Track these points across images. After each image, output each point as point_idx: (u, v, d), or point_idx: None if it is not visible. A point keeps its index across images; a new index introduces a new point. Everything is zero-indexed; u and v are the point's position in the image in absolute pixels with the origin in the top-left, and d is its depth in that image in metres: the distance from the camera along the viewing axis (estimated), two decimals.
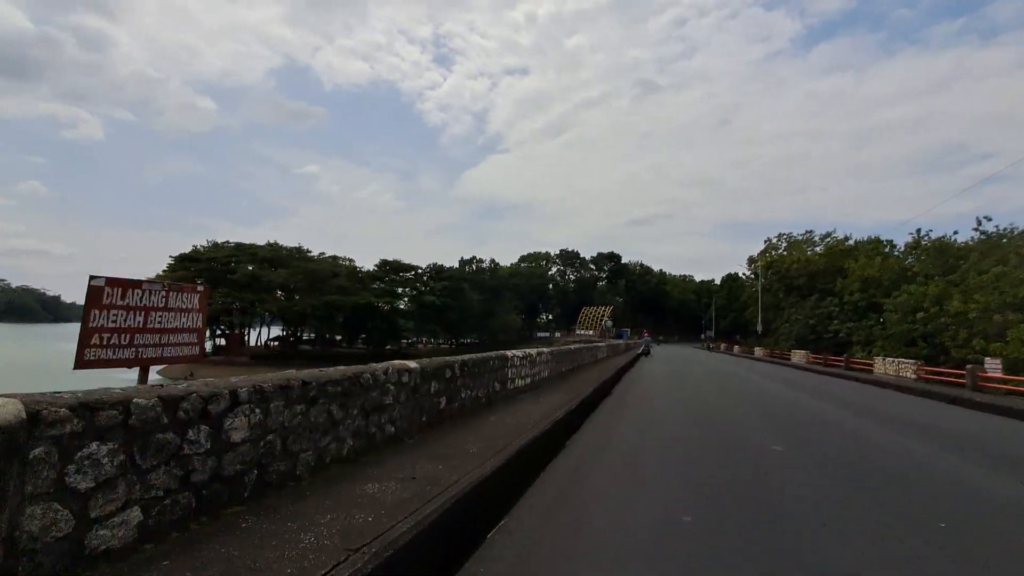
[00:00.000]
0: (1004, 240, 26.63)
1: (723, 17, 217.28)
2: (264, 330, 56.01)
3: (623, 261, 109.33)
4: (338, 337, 57.71)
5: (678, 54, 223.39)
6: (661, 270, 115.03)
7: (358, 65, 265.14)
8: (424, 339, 72.67)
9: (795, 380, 17.77)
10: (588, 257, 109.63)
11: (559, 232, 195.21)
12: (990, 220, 28.50)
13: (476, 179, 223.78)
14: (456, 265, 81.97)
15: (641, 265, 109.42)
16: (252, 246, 46.27)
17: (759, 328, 37.36)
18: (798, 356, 30.56)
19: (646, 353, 33.62)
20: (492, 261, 78.90)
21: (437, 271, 56.88)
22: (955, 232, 31.35)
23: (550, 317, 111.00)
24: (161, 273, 46.25)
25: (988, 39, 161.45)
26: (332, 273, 47.08)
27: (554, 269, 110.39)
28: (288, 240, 62.52)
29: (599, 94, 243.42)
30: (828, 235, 47.39)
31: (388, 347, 55.58)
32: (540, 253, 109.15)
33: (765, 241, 53.82)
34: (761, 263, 47.59)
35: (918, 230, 34.78)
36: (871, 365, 21.68)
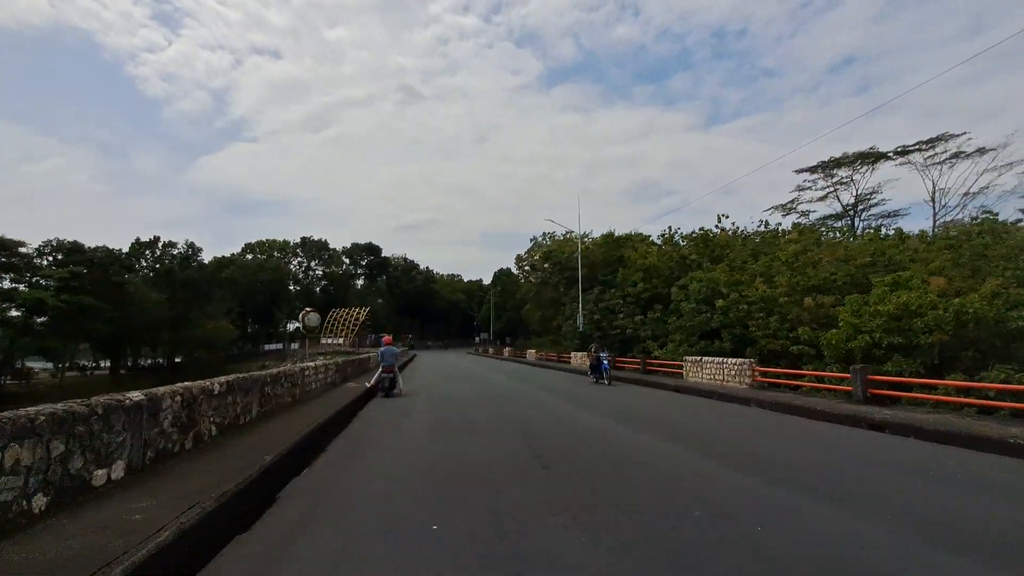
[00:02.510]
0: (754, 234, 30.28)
1: (481, 45, 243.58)
2: None
3: (384, 255, 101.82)
4: None
5: (441, 69, 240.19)
6: (428, 268, 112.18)
7: None
8: (50, 362, 47.98)
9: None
10: (340, 248, 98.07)
11: (324, 234, 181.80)
12: (727, 217, 32.76)
13: (217, 167, 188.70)
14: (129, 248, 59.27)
15: (405, 260, 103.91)
16: None
17: (580, 324, 33.03)
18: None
19: (385, 389, 14.71)
20: (190, 245, 59.81)
21: (69, 251, 36.89)
22: (701, 228, 34.82)
23: (295, 325, 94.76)
24: None
25: (669, 105, 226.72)
26: None
27: (296, 263, 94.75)
28: None
29: (364, 94, 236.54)
30: (586, 235, 50.41)
31: None
32: (275, 241, 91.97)
33: (531, 240, 55.31)
34: (540, 254, 46.98)
35: (670, 227, 39.10)
36: (677, 367, 19.84)
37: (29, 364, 44.56)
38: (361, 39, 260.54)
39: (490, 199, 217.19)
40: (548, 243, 51.19)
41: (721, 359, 17.16)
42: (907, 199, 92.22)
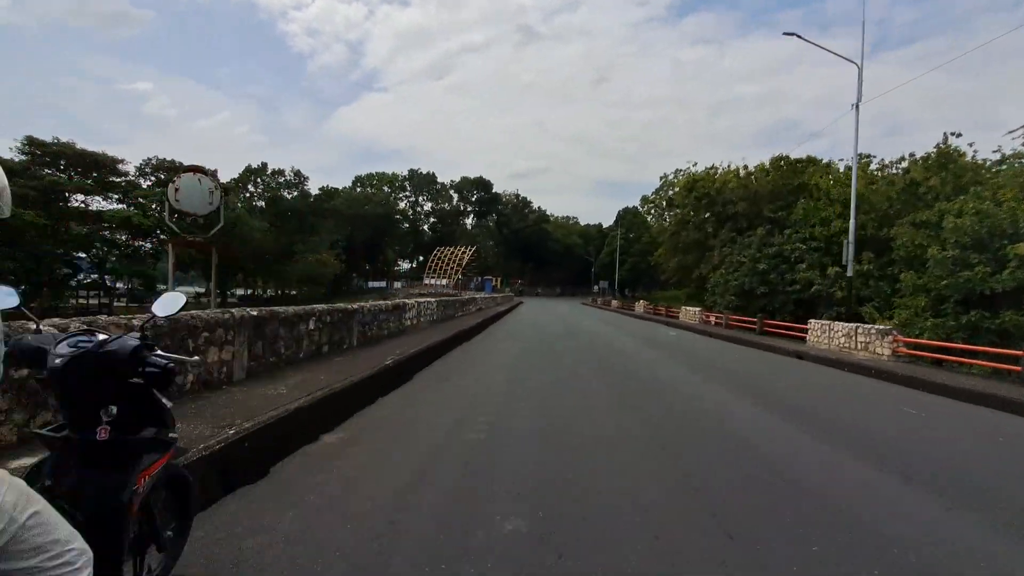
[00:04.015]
0: None
1: None
2: None
3: (495, 191, 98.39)
4: None
5: (562, 5, 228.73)
6: (540, 207, 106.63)
7: None
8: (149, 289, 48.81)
9: None
10: (448, 182, 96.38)
11: (442, 180, 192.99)
12: (959, 136, 22.14)
13: (351, 118, 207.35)
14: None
15: (517, 196, 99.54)
16: None
17: (849, 263, 18.39)
18: None
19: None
20: (296, 172, 60.80)
21: (168, 169, 37.35)
22: (935, 146, 24.49)
23: (403, 263, 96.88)
24: None
25: (823, 31, 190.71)
26: None
27: (405, 201, 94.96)
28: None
29: (483, 38, 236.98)
30: (735, 168, 40.15)
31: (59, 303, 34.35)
32: (384, 175, 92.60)
33: (661, 178, 46.91)
34: (681, 184, 39.30)
35: (866, 154, 28.87)
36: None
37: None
38: None
39: (604, 146, 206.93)
40: (680, 179, 42.37)
41: None
42: None
